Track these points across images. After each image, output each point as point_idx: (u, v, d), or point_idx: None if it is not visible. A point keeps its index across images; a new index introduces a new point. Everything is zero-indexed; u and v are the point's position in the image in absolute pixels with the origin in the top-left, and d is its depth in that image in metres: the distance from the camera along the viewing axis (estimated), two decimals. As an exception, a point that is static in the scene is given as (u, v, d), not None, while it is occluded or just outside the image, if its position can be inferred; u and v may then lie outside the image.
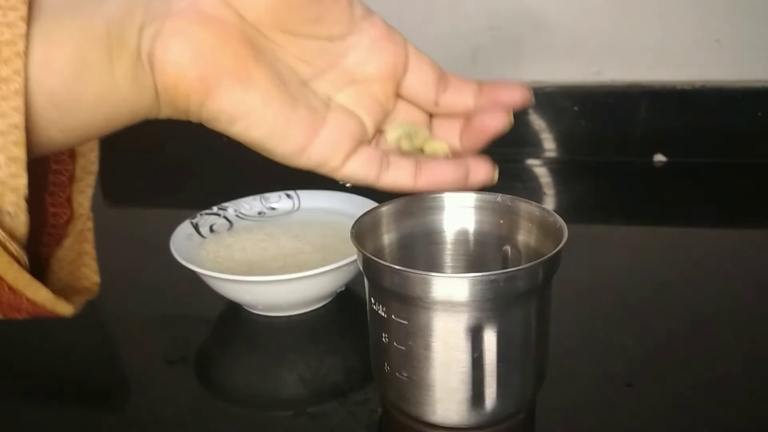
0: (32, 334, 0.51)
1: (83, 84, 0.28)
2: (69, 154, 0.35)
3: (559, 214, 0.36)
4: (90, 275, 0.35)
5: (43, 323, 0.52)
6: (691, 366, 0.42)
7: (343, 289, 0.50)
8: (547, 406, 0.38)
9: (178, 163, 0.90)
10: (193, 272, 0.46)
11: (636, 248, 0.59)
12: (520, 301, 0.33)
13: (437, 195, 0.40)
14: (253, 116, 0.32)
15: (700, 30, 0.75)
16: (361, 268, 0.36)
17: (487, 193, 0.39)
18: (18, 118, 0.26)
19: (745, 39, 0.75)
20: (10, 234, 0.26)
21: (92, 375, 0.45)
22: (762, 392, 0.39)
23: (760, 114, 0.75)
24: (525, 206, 0.38)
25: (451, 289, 0.31)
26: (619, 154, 0.79)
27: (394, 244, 0.40)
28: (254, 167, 0.87)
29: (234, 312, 0.51)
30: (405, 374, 0.34)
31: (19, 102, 0.26)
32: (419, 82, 0.37)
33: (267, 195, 0.60)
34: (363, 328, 0.39)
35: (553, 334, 0.37)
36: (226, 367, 0.45)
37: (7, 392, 0.44)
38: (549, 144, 0.81)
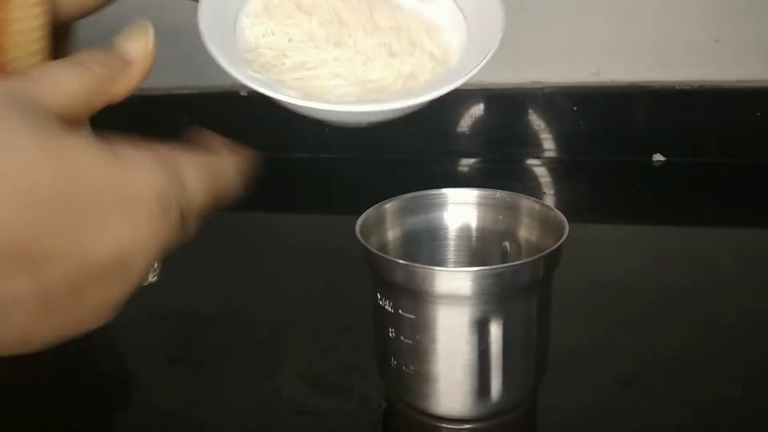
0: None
1: None
2: None
3: (558, 212, 0.36)
4: None
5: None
6: (690, 364, 0.42)
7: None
8: (547, 403, 0.38)
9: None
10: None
11: (635, 248, 0.59)
12: (525, 294, 0.34)
13: (439, 192, 0.40)
14: None
15: (699, 30, 0.76)
16: (367, 264, 0.36)
17: (487, 189, 0.40)
18: None
19: (744, 39, 0.75)
20: None
21: (93, 375, 0.45)
22: (762, 391, 0.39)
23: (759, 114, 0.75)
24: (526, 202, 0.39)
25: (459, 283, 0.32)
26: (619, 154, 0.79)
27: (398, 240, 0.40)
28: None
29: (234, 312, 0.50)
30: (412, 368, 0.35)
31: None
32: None
33: None
34: (363, 326, 0.39)
35: (553, 333, 0.37)
36: (226, 367, 0.45)
37: (6, 392, 0.44)
38: (548, 144, 0.81)
